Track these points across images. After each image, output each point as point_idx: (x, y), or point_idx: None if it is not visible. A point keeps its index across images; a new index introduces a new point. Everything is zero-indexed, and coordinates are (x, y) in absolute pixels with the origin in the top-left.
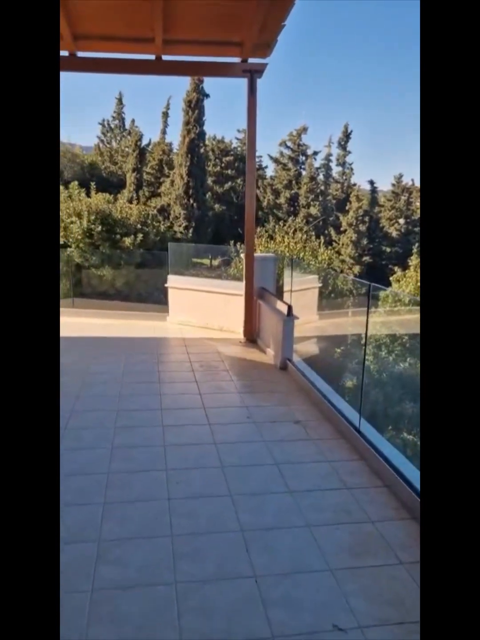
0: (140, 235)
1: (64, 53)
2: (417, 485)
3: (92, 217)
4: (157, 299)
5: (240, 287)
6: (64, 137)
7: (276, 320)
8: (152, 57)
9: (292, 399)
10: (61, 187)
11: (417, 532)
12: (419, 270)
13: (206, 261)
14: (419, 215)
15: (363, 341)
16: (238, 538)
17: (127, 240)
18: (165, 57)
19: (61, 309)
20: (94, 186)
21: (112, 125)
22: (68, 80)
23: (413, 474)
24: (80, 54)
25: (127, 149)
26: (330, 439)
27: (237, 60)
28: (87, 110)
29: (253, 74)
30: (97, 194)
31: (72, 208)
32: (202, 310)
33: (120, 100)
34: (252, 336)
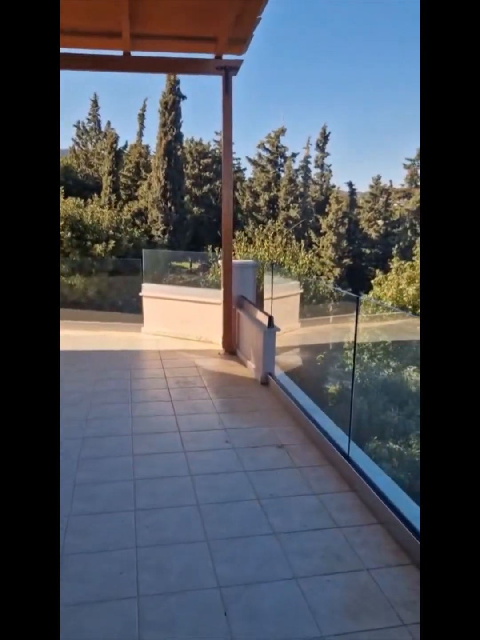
0: (112, 242)
1: None
2: (416, 523)
3: (61, 223)
4: (131, 308)
5: (218, 295)
6: None
7: (256, 332)
8: (120, 53)
9: (274, 418)
10: None
11: (419, 581)
12: (399, 274)
13: (186, 264)
14: (396, 217)
15: (352, 363)
16: (215, 598)
17: (99, 247)
18: (134, 53)
19: None
20: (64, 191)
21: (88, 128)
22: None
23: (410, 510)
24: None
25: (103, 152)
26: (316, 465)
27: (211, 56)
28: (62, 112)
29: (228, 71)
30: (66, 198)
31: None
32: (178, 320)
33: (95, 102)
34: (231, 348)
